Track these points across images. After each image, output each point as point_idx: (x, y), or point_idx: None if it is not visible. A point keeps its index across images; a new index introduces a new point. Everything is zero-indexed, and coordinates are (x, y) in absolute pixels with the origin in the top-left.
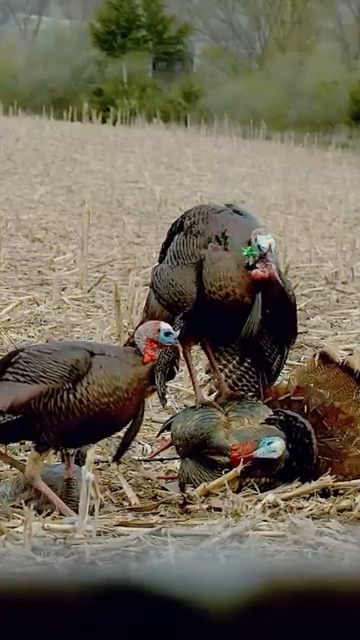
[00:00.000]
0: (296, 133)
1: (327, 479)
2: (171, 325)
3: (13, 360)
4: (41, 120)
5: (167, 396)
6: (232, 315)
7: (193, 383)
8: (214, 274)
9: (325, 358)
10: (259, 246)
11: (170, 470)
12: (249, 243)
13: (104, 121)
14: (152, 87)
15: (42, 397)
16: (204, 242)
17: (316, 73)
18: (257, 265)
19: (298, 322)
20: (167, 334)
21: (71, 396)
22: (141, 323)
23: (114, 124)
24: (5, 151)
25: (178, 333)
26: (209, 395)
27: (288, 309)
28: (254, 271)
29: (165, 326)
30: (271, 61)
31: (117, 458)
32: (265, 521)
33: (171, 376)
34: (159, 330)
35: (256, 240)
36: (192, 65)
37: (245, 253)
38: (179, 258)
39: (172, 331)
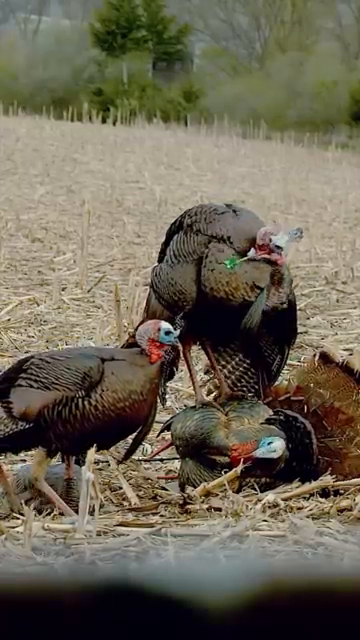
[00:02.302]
0: (296, 133)
1: (327, 479)
2: (172, 324)
3: (25, 367)
4: (41, 120)
5: (167, 396)
6: (233, 314)
7: (193, 383)
8: (218, 273)
9: (325, 358)
10: (276, 246)
11: (170, 470)
12: (240, 254)
13: (104, 121)
14: (152, 87)
15: (56, 405)
16: (205, 240)
17: (316, 73)
18: (271, 255)
19: (298, 322)
20: (167, 333)
21: (86, 403)
22: (141, 323)
23: (114, 124)
24: (5, 151)
25: (178, 332)
26: (208, 395)
27: (288, 309)
28: (272, 258)
29: (165, 325)
30: (271, 61)
31: (126, 458)
32: (265, 521)
33: (171, 376)
34: (159, 329)
35: (271, 241)
36: (192, 65)
37: (228, 267)
38: (179, 256)
39: (172, 330)
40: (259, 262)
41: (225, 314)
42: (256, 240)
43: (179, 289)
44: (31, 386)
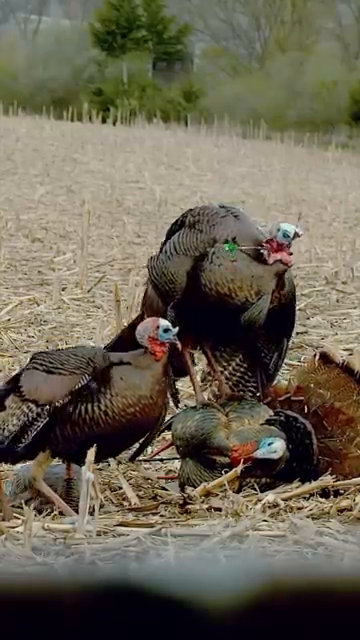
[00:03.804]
0: (296, 133)
1: (327, 479)
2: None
3: (33, 357)
4: (41, 120)
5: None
6: (233, 314)
7: (193, 383)
8: (225, 269)
9: (325, 358)
10: (285, 232)
11: (170, 470)
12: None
13: (104, 121)
14: (152, 87)
15: (65, 391)
16: (209, 240)
17: (316, 73)
18: (281, 254)
19: (298, 322)
20: (166, 331)
21: (96, 408)
22: (139, 317)
23: (114, 124)
24: (5, 151)
25: (177, 330)
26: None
27: (287, 305)
28: (275, 254)
29: (163, 323)
30: (271, 61)
31: (132, 459)
32: (265, 521)
33: (179, 374)
34: (157, 327)
35: (279, 230)
36: (192, 65)
37: (227, 249)
38: (179, 250)
39: (170, 328)
40: (269, 266)
41: (226, 314)
42: (264, 238)
43: (170, 278)
44: (36, 369)
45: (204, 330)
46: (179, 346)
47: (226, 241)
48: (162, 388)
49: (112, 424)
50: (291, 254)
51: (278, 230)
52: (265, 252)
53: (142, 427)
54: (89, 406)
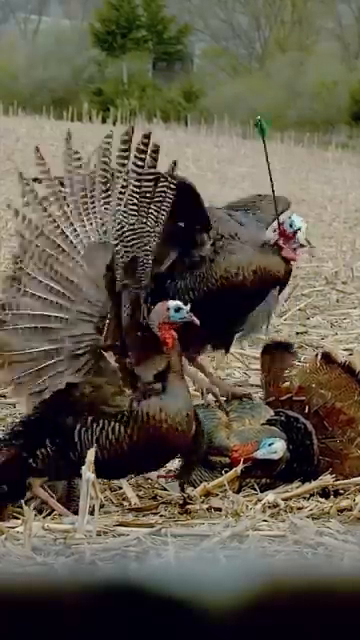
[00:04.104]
0: (296, 133)
1: (327, 478)
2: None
3: None
4: (41, 120)
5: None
6: (236, 308)
7: (193, 383)
8: (229, 263)
9: (327, 358)
10: (292, 222)
11: (170, 470)
12: None
13: (104, 121)
14: (152, 87)
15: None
16: (215, 236)
17: (316, 73)
18: (284, 244)
19: (298, 322)
20: (177, 310)
21: (122, 429)
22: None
23: (114, 124)
24: (5, 151)
25: (189, 307)
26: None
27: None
28: (284, 251)
29: (172, 304)
30: (271, 61)
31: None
32: (265, 521)
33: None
34: (168, 309)
35: (290, 217)
36: (192, 65)
37: (257, 118)
38: None
39: (181, 306)
40: (275, 258)
41: (226, 307)
42: (275, 228)
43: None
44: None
45: (203, 327)
46: (197, 322)
47: (236, 236)
48: (191, 414)
49: (137, 448)
50: (295, 249)
51: (289, 218)
52: (275, 235)
53: (169, 452)
54: (116, 426)
